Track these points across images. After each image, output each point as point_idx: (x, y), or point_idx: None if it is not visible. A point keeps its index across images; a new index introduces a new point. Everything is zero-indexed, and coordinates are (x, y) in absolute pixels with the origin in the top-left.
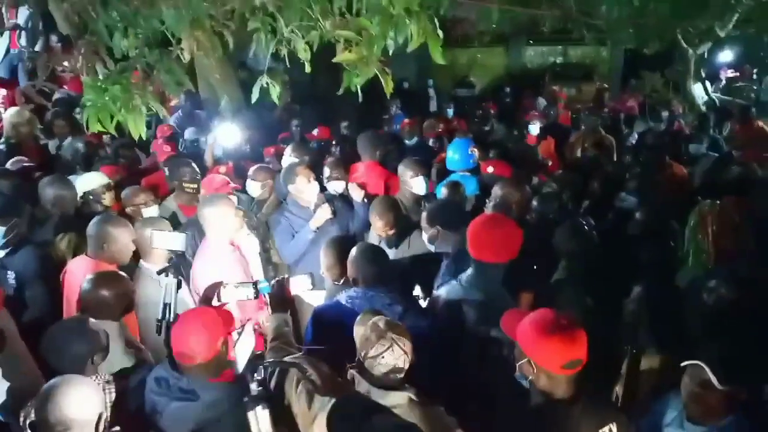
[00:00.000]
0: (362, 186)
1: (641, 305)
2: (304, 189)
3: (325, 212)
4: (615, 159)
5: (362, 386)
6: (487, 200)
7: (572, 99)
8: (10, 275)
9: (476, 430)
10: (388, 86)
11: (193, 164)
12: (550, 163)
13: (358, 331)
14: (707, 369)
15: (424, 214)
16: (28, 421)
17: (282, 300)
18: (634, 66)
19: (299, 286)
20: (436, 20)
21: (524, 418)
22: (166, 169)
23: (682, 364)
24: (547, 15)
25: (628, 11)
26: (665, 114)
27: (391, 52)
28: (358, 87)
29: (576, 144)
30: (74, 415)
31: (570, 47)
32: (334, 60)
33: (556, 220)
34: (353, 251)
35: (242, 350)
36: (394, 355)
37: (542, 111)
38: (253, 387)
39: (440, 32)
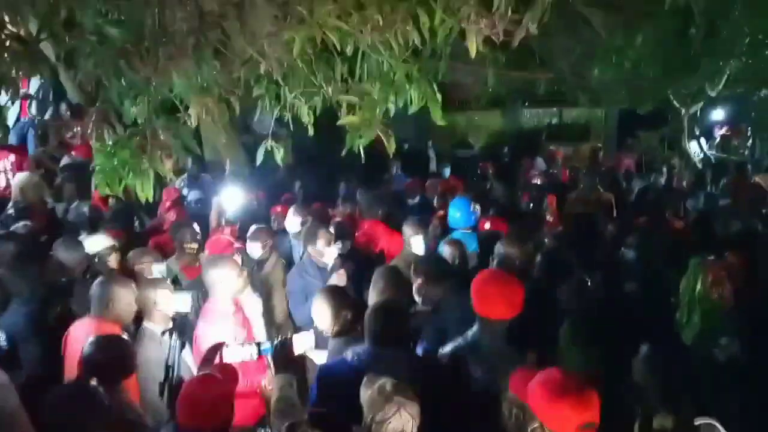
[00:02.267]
0: (366, 244)
1: (649, 364)
2: (324, 252)
3: (340, 279)
4: (614, 216)
5: None
6: (490, 258)
7: (569, 158)
8: (1, 336)
9: None
10: (391, 146)
11: (194, 225)
12: (551, 220)
13: (365, 394)
14: (720, 427)
15: (411, 268)
16: None
17: (285, 360)
18: (629, 125)
19: (302, 345)
20: (434, 84)
21: None
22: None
23: (696, 422)
24: (541, 78)
25: (620, 73)
26: (663, 171)
27: (392, 115)
28: (361, 148)
29: (575, 202)
30: None
31: (565, 109)
32: (339, 123)
33: (561, 276)
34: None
35: None
36: (401, 420)
37: (542, 170)
38: None
39: (439, 96)
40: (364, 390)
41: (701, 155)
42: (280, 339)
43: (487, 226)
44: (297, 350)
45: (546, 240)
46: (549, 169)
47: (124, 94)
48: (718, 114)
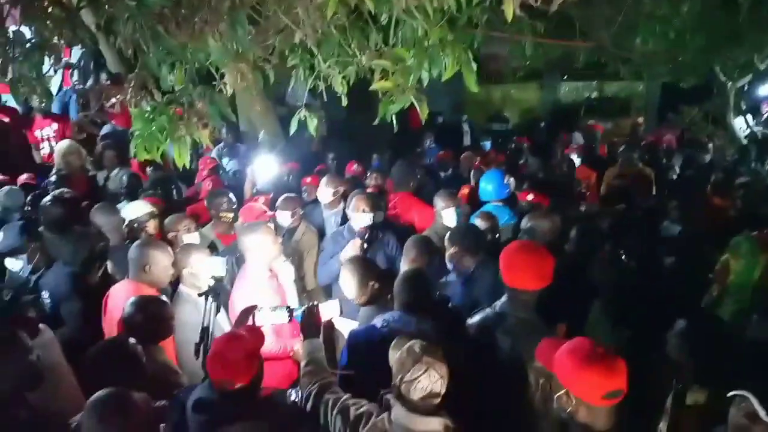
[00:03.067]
0: (397, 216)
1: (685, 339)
2: (354, 217)
3: (353, 247)
4: (654, 192)
5: (397, 411)
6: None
7: (609, 133)
8: (45, 295)
9: None
10: (424, 112)
11: (230, 195)
12: (588, 194)
13: (393, 356)
14: (754, 400)
15: (446, 236)
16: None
17: (313, 326)
18: (671, 100)
19: (329, 312)
20: (470, 52)
21: None
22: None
23: (729, 395)
24: (581, 47)
25: (663, 45)
26: (708, 147)
27: (426, 84)
28: (394, 117)
29: (613, 177)
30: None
31: (605, 83)
32: (371, 88)
33: (594, 250)
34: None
35: None
36: (430, 379)
37: (580, 145)
38: None
39: (474, 64)
40: (393, 351)
41: (747, 131)
42: (308, 305)
43: (530, 197)
44: (324, 317)
45: (582, 214)
46: (587, 143)
47: (161, 61)
48: (766, 89)
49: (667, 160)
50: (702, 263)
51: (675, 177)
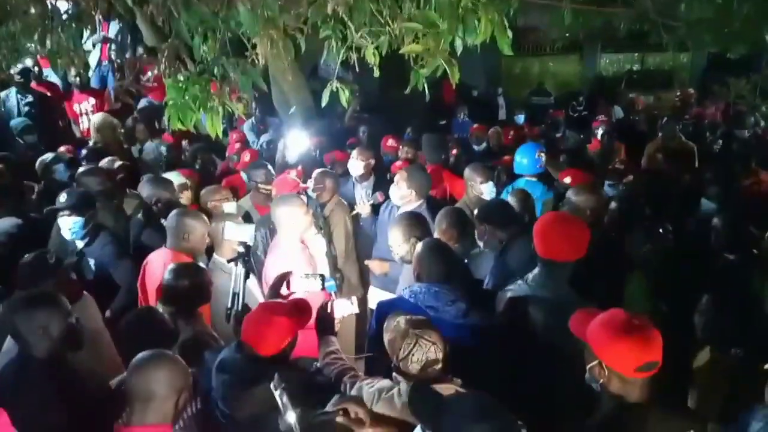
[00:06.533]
0: None
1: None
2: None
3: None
4: (696, 166)
5: (404, 386)
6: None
7: (651, 107)
8: (90, 261)
9: None
10: (455, 76)
11: (269, 167)
12: (621, 168)
13: (385, 338)
14: None
15: (474, 212)
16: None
17: (327, 323)
18: (716, 72)
19: (342, 310)
20: (504, 17)
21: (595, 423)
22: (243, 173)
23: (766, 367)
24: (622, 15)
25: (709, 12)
26: (751, 120)
27: (459, 52)
28: (426, 85)
29: (654, 150)
30: (157, 388)
31: (647, 54)
32: (401, 51)
33: (633, 224)
34: (419, 247)
35: None
36: (423, 349)
37: (619, 119)
38: None
39: (509, 32)
40: (385, 334)
41: None
42: (321, 305)
43: (567, 180)
44: (338, 315)
45: (619, 188)
46: (628, 117)
47: (193, 29)
48: None
49: (711, 133)
50: (742, 239)
51: (718, 151)
